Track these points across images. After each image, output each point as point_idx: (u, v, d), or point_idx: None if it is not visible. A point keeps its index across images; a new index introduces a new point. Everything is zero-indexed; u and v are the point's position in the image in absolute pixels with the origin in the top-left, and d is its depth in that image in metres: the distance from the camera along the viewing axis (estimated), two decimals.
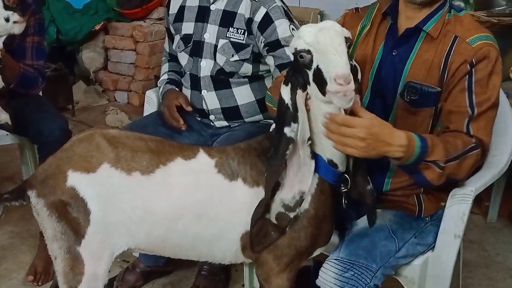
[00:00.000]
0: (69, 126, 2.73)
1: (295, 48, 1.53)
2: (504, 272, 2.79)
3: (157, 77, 4.67)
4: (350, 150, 1.55)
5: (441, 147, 1.65)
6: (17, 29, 2.44)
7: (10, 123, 2.58)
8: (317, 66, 1.50)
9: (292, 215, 1.64)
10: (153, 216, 1.69)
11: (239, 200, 1.72)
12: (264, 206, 1.63)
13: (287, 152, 1.56)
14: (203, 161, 1.73)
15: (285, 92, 1.58)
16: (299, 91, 1.56)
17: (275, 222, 1.65)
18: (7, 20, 2.39)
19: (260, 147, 1.76)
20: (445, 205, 1.90)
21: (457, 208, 1.87)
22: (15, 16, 2.40)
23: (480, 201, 3.25)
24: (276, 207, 1.63)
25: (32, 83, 2.73)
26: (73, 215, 1.65)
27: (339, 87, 1.43)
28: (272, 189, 1.61)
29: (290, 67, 1.60)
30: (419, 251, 1.92)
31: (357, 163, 1.68)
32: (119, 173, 1.66)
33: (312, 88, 1.54)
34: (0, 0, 2.38)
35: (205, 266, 2.57)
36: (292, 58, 2.16)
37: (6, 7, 2.40)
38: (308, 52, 1.51)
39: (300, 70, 1.55)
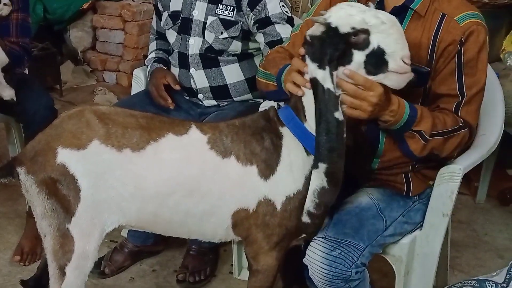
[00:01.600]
0: (56, 106, 2.70)
1: (353, 27, 1.50)
2: (492, 252, 2.81)
3: (146, 57, 4.66)
4: (356, 112, 1.57)
5: (430, 120, 1.67)
6: (5, 11, 2.41)
7: (15, 99, 2.54)
8: (378, 46, 1.50)
9: (310, 221, 1.68)
10: (144, 193, 1.67)
11: (231, 178, 1.70)
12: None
13: (344, 135, 1.56)
14: (195, 137, 1.71)
15: (324, 77, 1.53)
16: (335, 73, 1.54)
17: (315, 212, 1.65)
18: None
19: (255, 125, 1.74)
20: (433, 184, 1.90)
21: (446, 186, 1.87)
22: None
23: (469, 182, 3.25)
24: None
25: (17, 61, 2.68)
26: (63, 192, 1.63)
27: (406, 67, 1.50)
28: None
29: (323, 49, 1.53)
30: (407, 230, 1.92)
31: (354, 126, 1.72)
32: (110, 150, 1.64)
33: (354, 67, 1.53)
34: None
35: (193, 246, 2.56)
36: (284, 34, 2.16)
37: None
38: (365, 31, 1.50)
39: (337, 49, 1.52)
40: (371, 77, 1.53)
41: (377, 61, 1.51)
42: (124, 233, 2.65)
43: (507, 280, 2.24)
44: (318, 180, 1.59)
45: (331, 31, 1.53)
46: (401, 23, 1.80)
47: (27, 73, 2.94)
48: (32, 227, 2.62)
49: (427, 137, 1.67)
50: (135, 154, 1.66)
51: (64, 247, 1.67)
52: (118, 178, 1.66)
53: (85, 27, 5.00)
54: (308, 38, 1.57)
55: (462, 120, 1.72)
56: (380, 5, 1.85)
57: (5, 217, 2.96)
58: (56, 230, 1.67)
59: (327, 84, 1.53)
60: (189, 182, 1.69)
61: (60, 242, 1.67)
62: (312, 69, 1.55)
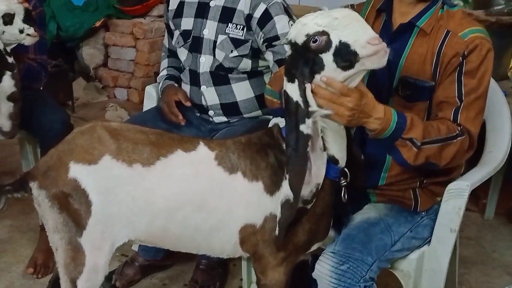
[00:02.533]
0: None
1: (307, 34, 1.50)
2: (501, 269, 2.81)
3: (157, 74, 4.72)
4: (334, 117, 1.57)
5: (421, 126, 1.68)
6: (28, 41, 2.46)
7: (10, 130, 2.51)
8: (339, 41, 1.48)
9: (309, 206, 1.66)
10: (153, 207, 1.71)
11: (238, 193, 1.73)
12: (294, 208, 1.61)
13: (308, 149, 1.55)
14: (203, 153, 1.75)
15: (293, 90, 1.55)
16: (307, 85, 1.54)
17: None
18: (21, 31, 2.41)
19: (260, 142, 1.77)
20: (441, 200, 1.92)
21: (453, 202, 1.89)
22: (30, 30, 2.42)
23: (478, 199, 3.27)
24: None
25: (36, 77, 2.75)
26: (74, 207, 1.67)
27: (376, 46, 1.47)
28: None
29: (291, 63, 1.57)
30: (415, 245, 1.94)
31: (350, 137, 1.71)
32: (121, 165, 1.68)
33: (329, 70, 1.52)
34: (23, 12, 2.41)
35: (203, 260, 2.59)
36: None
37: (25, 21, 2.42)
38: (323, 33, 1.49)
39: (307, 60, 1.53)
40: (350, 72, 1.51)
41: (345, 56, 1.49)
42: (135, 247, 2.68)
43: None
44: (286, 191, 1.60)
45: (293, 46, 1.55)
46: (407, 40, 1.86)
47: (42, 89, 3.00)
48: (46, 241, 2.62)
49: (419, 144, 1.67)
50: (145, 169, 1.70)
51: (75, 260, 1.70)
52: (129, 192, 1.70)
53: (97, 44, 5.09)
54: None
55: (459, 128, 1.74)
56: (388, 23, 1.91)
57: (18, 231, 3.01)
58: (67, 243, 1.70)
59: (295, 97, 1.55)
60: (197, 197, 1.73)
61: (72, 255, 1.70)
62: (284, 84, 1.59)
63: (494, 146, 2.11)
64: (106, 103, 4.87)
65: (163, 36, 4.92)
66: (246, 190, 1.73)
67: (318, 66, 1.53)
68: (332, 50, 1.50)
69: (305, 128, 1.54)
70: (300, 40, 1.53)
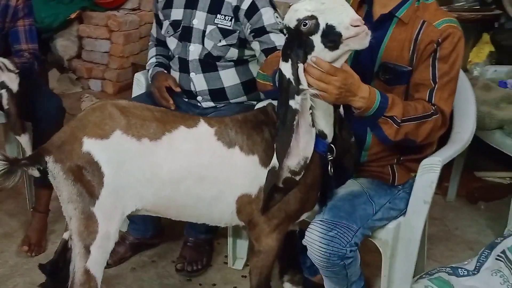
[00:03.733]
0: None
1: (297, 19, 1.69)
2: (463, 244, 3.05)
3: (134, 65, 4.84)
4: (323, 95, 1.75)
5: (401, 105, 1.88)
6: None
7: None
8: (326, 24, 1.67)
9: (297, 178, 1.83)
10: (159, 179, 1.86)
11: (236, 166, 1.90)
12: (277, 175, 1.79)
13: (294, 123, 1.74)
14: (204, 129, 1.91)
15: (286, 68, 1.74)
16: (300, 65, 1.73)
17: (281, 186, 1.83)
18: None
19: (255, 119, 1.95)
20: (415, 175, 2.13)
21: (427, 176, 2.10)
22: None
23: (441, 182, 3.49)
24: (283, 174, 1.81)
25: (31, 72, 2.85)
26: (88, 178, 1.79)
27: (358, 28, 1.65)
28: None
29: (286, 45, 1.77)
30: (393, 216, 2.14)
31: (341, 121, 1.89)
32: (130, 140, 1.82)
33: (318, 51, 1.70)
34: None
35: (190, 238, 2.74)
36: (278, 42, 2.36)
37: None
38: (312, 17, 1.68)
39: (300, 42, 1.71)
40: (336, 52, 1.70)
41: (331, 37, 1.67)
42: (124, 227, 2.81)
43: (477, 267, 2.50)
44: (274, 160, 1.79)
45: (287, 30, 1.75)
46: (387, 29, 2.06)
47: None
48: (38, 221, 2.80)
49: (399, 121, 1.87)
50: (152, 143, 1.85)
51: (89, 228, 1.83)
52: (137, 165, 1.84)
53: (71, 36, 5.14)
54: None
55: (434, 107, 1.94)
56: (369, 13, 2.10)
57: (8, 214, 3.10)
58: (81, 213, 1.82)
59: (288, 74, 1.74)
60: (199, 169, 1.89)
61: (85, 223, 1.82)
62: (280, 63, 1.78)
63: (461, 127, 2.33)
64: (81, 94, 4.94)
65: (137, 28, 5.11)
66: (243, 163, 1.91)
67: (309, 47, 1.72)
68: (320, 32, 1.69)
69: (294, 103, 1.73)
70: (292, 24, 1.72)
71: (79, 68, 5.18)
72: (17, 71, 2.45)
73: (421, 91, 1.97)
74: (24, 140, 2.49)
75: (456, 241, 3.10)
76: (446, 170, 2.46)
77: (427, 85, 1.96)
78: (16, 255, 2.75)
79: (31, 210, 2.88)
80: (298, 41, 1.73)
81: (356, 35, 1.67)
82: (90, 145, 1.80)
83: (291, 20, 1.72)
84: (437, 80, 1.95)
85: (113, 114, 1.84)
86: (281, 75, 1.76)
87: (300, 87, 1.74)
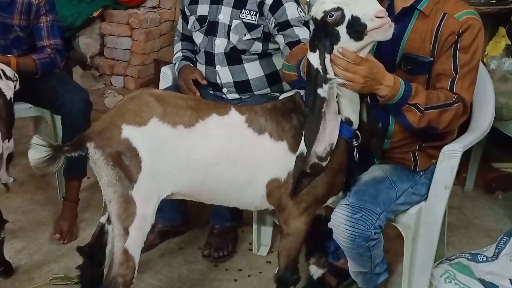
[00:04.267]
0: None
1: (324, 11, 1.78)
2: (482, 232, 3.13)
3: (157, 61, 4.94)
4: (350, 84, 1.83)
5: (424, 94, 1.96)
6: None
7: (10, 183, 2.51)
8: (351, 15, 1.75)
9: (324, 163, 1.90)
10: (193, 164, 1.95)
11: (266, 151, 1.99)
12: (305, 161, 1.87)
13: (323, 110, 1.82)
14: (235, 117, 2.00)
15: (314, 58, 1.83)
16: (327, 55, 1.82)
17: (308, 171, 1.91)
18: None
19: (284, 107, 2.04)
20: (436, 162, 2.21)
21: (448, 162, 2.17)
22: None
23: (459, 173, 3.52)
24: (311, 159, 1.89)
25: (53, 66, 2.97)
26: (126, 163, 1.88)
27: (382, 20, 1.73)
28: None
29: (314, 36, 1.85)
30: (415, 200, 2.22)
31: (368, 108, 1.97)
32: (166, 126, 1.91)
33: (344, 41, 1.79)
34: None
35: (216, 225, 2.84)
36: (302, 36, 2.44)
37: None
38: (337, 9, 1.77)
39: (327, 33, 1.80)
40: (361, 43, 1.77)
41: (356, 28, 1.74)
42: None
43: (496, 253, 2.57)
44: (302, 146, 1.87)
45: (314, 21, 1.83)
46: (408, 21, 2.13)
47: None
48: (69, 210, 2.91)
49: (423, 109, 1.94)
50: (187, 130, 1.94)
51: (127, 210, 1.91)
52: (173, 150, 1.93)
53: (93, 34, 5.25)
54: None
55: (455, 96, 2.01)
56: (391, 6, 2.18)
57: (38, 204, 3.21)
58: (120, 196, 1.90)
59: (316, 64, 1.83)
60: (231, 154, 1.97)
61: (124, 206, 1.91)
62: (307, 53, 1.86)
63: (480, 116, 2.41)
64: (104, 90, 5.05)
65: (158, 26, 5.22)
66: (272, 149, 1.99)
67: (335, 38, 1.80)
68: (345, 23, 1.77)
69: (322, 91, 1.82)
70: (319, 15, 1.81)
71: (102, 65, 5.29)
72: (15, 78, 2.51)
73: (443, 81, 2.04)
74: (5, 146, 2.42)
75: (475, 229, 3.16)
76: (464, 161, 2.53)
77: (449, 75, 2.03)
78: (49, 243, 2.86)
79: (62, 200, 2.99)
80: (324, 32, 1.81)
81: (380, 26, 1.75)
82: (128, 131, 1.89)
83: (317, 11, 1.81)
84: (458, 70, 2.03)
85: (150, 102, 1.94)
86: (309, 64, 1.85)
87: (327, 76, 1.82)
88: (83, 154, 1.92)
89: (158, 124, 1.91)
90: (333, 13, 1.78)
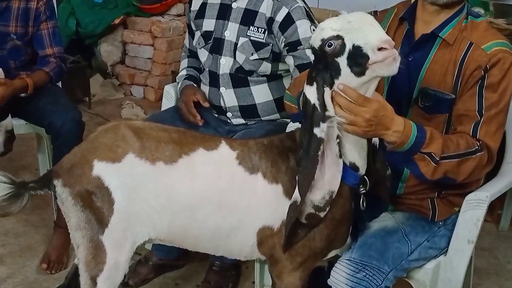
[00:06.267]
0: (85, 118, 2.77)
1: (322, 39, 1.52)
2: None
3: (174, 73, 4.75)
4: (351, 128, 1.57)
5: (440, 140, 1.67)
6: None
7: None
8: (353, 45, 1.49)
9: (322, 214, 1.65)
10: (175, 205, 1.72)
11: (258, 194, 1.74)
12: (298, 210, 1.63)
13: (319, 153, 1.57)
14: (225, 152, 1.76)
15: (311, 92, 1.58)
16: (326, 89, 1.56)
17: (304, 222, 1.66)
18: None
19: (282, 145, 1.78)
20: (459, 210, 1.91)
21: (472, 213, 1.88)
22: None
23: (493, 209, 3.24)
24: (306, 209, 1.64)
25: (62, 75, 2.86)
26: (97, 205, 1.68)
27: (385, 53, 1.46)
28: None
29: (313, 67, 1.60)
30: (431, 255, 1.93)
31: (374, 152, 1.71)
32: (144, 163, 1.69)
33: (345, 75, 1.53)
34: None
35: (216, 262, 2.60)
36: (312, 58, 2.18)
37: None
38: (338, 37, 1.50)
39: (326, 64, 1.54)
40: (363, 78, 1.52)
41: (357, 59, 1.49)
42: (149, 246, 2.69)
43: None
44: (296, 193, 1.62)
45: (313, 50, 1.58)
46: (429, 50, 1.86)
47: (60, 85, 3.02)
48: (59, 237, 2.71)
49: (438, 159, 1.66)
50: (168, 167, 1.71)
51: (96, 258, 1.71)
52: (151, 190, 1.71)
53: (115, 41, 5.11)
54: None
55: (478, 143, 1.73)
56: (410, 32, 1.90)
57: (33, 226, 3.04)
58: (89, 241, 1.71)
59: (313, 99, 1.57)
60: (217, 196, 1.74)
61: (93, 253, 1.71)
62: (304, 86, 1.61)
63: None
64: (122, 101, 4.89)
65: (181, 35, 5.03)
66: (265, 192, 1.74)
67: (335, 71, 1.55)
68: (346, 54, 1.52)
69: (319, 131, 1.56)
70: (317, 44, 1.55)
71: (122, 74, 5.13)
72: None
73: (465, 124, 1.76)
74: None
75: (507, 276, 2.85)
76: (500, 196, 2.25)
77: (472, 117, 1.75)
78: (36, 271, 2.68)
79: (54, 224, 2.79)
80: (324, 63, 1.56)
81: (383, 59, 1.48)
82: (100, 168, 1.69)
83: (315, 39, 1.55)
84: (483, 112, 1.74)
85: (126, 135, 1.72)
86: (306, 99, 1.59)
87: (326, 113, 1.56)
88: (49, 192, 1.73)
89: (134, 161, 1.70)
90: (332, 41, 1.51)
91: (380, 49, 1.47)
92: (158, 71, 4.96)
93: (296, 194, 1.62)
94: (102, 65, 5.15)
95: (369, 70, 1.50)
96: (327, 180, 1.62)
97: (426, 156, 1.66)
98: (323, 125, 1.56)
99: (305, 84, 1.61)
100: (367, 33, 1.49)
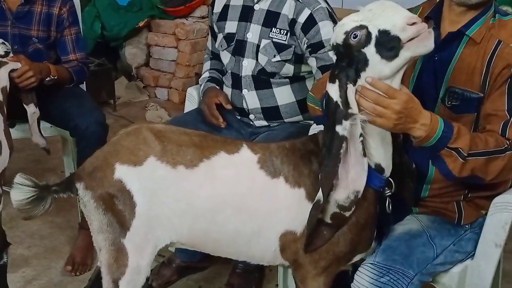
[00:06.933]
0: (109, 121, 2.79)
1: (345, 32, 1.49)
2: None
3: (198, 75, 4.74)
4: (380, 121, 1.53)
5: (468, 137, 1.63)
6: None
7: (47, 147, 2.72)
8: (379, 30, 1.46)
9: (347, 214, 1.62)
10: (195, 209, 1.71)
11: (279, 198, 1.71)
12: (321, 209, 1.60)
13: (341, 151, 1.54)
14: (246, 156, 1.74)
15: (333, 90, 1.55)
16: (349, 86, 1.52)
17: (329, 221, 1.64)
18: None
19: (304, 148, 1.75)
20: (486, 213, 1.87)
21: (499, 216, 1.83)
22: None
23: None
24: (331, 208, 1.62)
25: (83, 76, 2.87)
26: (119, 208, 1.67)
27: (417, 26, 1.43)
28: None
29: (336, 65, 1.57)
30: (458, 259, 1.89)
31: (401, 150, 1.69)
32: (165, 167, 1.68)
33: (374, 64, 1.49)
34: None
35: (240, 264, 2.58)
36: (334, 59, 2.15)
37: None
38: (361, 27, 1.48)
39: (351, 59, 1.51)
40: (397, 61, 1.48)
41: (388, 43, 1.46)
42: (172, 248, 2.69)
43: None
44: (320, 192, 1.59)
45: (335, 48, 1.55)
46: (455, 49, 1.82)
47: (84, 87, 3.05)
48: (84, 238, 2.73)
49: (465, 155, 1.62)
50: (189, 171, 1.70)
51: (118, 261, 1.71)
52: (172, 194, 1.70)
53: (140, 44, 5.14)
54: None
55: (508, 142, 1.68)
56: (436, 30, 1.86)
57: (58, 227, 3.06)
58: (111, 244, 1.71)
59: (335, 96, 1.53)
60: (238, 199, 1.72)
61: (115, 256, 1.71)
62: (327, 85, 1.57)
63: None
64: (146, 103, 4.92)
65: (205, 37, 5.04)
66: (287, 196, 1.72)
67: (362, 63, 1.51)
68: (373, 41, 1.48)
69: (341, 129, 1.53)
70: (340, 39, 1.52)
71: (147, 76, 5.16)
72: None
73: (493, 123, 1.71)
74: (29, 111, 2.55)
75: None
76: None
77: (501, 116, 1.70)
78: (61, 273, 2.70)
79: (78, 226, 2.82)
80: (347, 58, 1.53)
81: (417, 34, 1.44)
82: (122, 172, 1.68)
83: (338, 35, 1.52)
84: None
85: (148, 139, 1.71)
86: (328, 97, 1.56)
87: (349, 111, 1.53)
88: (72, 195, 1.73)
89: (155, 164, 1.69)
90: (356, 32, 1.48)
91: (410, 25, 1.44)
92: (182, 73, 4.98)
93: (320, 194, 1.59)
94: (127, 68, 5.19)
95: (404, 50, 1.46)
96: (351, 179, 1.59)
97: (453, 151, 1.62)
98: (346, 123, 1.53)
99: (327, 82, 1.58)
100: (390, 15, 1.46)
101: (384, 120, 1.54)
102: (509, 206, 1.83)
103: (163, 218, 1.72)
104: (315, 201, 1.61)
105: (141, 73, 5.20)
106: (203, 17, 5.17)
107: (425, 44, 1.46)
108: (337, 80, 1.55)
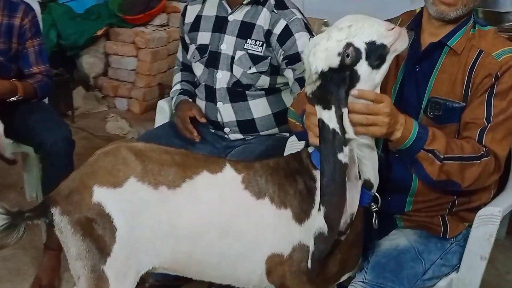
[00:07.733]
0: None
1: (338, 53, 1.46)
2: None
3: (160, 84, 4.65)
4: (374, 129, 1.52)
5: (444, 140, 1.64)
6: None
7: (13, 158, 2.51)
8: (365, 43, 1.48)
9: (343, 237, 1.58)
10: (178, 232, 1.64)
11: (265, 219, 1.66)
12: (329, 241, 1.52)
13: (346, 178, 1.48)
14: (230, 175, 1.68)
15: (329, 117, 1.48)
16: (344, 110, 1.48)
17: None
18: None
19: (288, 167, 1.70)
20: (469, 225, 1.87)
21: (484, 229, 1.84)
22: None
23: None
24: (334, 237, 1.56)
25: (47, 90, 2.75)
26: (98, 233, 1.59)
27: (395, 30, 1.50)
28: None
29: (325, 91, 1.49)
30: (444, 272, 1.88)
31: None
32: (146, 188, 1.61)
33: (365, 77, 1.49)
34: None
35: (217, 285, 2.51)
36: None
37: None
38: (348, 45, 1.46)
39: (340, 80, 1.47)
40: (384, 66, 1.51)
41: (377, 52, 1.49)
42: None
43: None
44: (320, 223, 1.51)
45: (327, 74, 1.48)
46: (436, 59, 1.82)
47: (47, 101, 2.93)
48: (50, 259, 2.61)
49: (442, 157, 1.62)
50: (171, 192, 1.64)
51: None
52: (154, 216, 1.63)
53: (98, 53, 4.99)
54: (308, 95, 1.54)
55: (485, 149, 1.68)
56: (416, 41, 1.85)
57: (21, 248, 2.90)
58: (90, 271, 1.62)
59: (332, 124, 1.48)
60: (222, 221, 1.66)
61: (95, 284, 1.63)
62: (318, 111, 1.51)
63: None
64: (106, 113, 4.77)
65: (166, 46, 4.93)
66: (273, 217, 1.66)
67: (353, 80, 1.49)
68: (363, 55, 1.48)
69: (343, 157, 1.48)
70: (335, 63, 1.47)
71: (105, 86, 5.01)
72: None
73: (471, 130, 1.72)
74: None
75: (509, 286, 2.81)
76: None
77: (479, 124, 1.71)
78: None
79: (43, 247, 2.68)
80: (339, 80, 1.48)
81: (397, 36, 1.50)
82: (101, 194, 1.60)
83: (329, 59, 1.46)
84: (491, 119, 1.70)
85: (127, 159, 1.64)
86: (323, 125, 1.49)
87: (346, 136, 1.49)
88: (47, 221, 1.63)
89: (136, 185, 1.62)
90: (348, 51, 1.46)
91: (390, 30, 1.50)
92: (143, 82, 4.86)
93: (321, 224, 1.50)
94: (85, 77, 5.02)
95: (390, 54, 1.51)
96: (349, 204, 1.54)
97: (430, 154, 1.62)
98: (346, 149, 1.48)
99: (319, 109, 1.51)
100: (371, 26, 1.49)
101: (377, 128, 1.52)
102: (494, 219, 1.84)
103: (145, 241, 1.64)
104: (317, 233, 1.52)
105: (99, 83, 5.05)
106: (162, 25, 5.07)
107: (403, 44, 1.52)
108: (332, 106, 1.48)
